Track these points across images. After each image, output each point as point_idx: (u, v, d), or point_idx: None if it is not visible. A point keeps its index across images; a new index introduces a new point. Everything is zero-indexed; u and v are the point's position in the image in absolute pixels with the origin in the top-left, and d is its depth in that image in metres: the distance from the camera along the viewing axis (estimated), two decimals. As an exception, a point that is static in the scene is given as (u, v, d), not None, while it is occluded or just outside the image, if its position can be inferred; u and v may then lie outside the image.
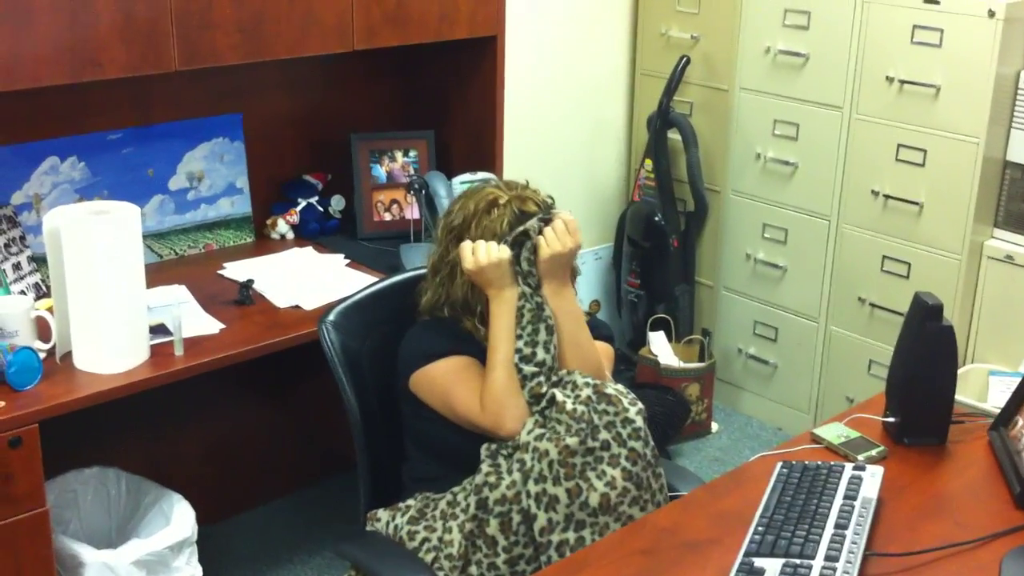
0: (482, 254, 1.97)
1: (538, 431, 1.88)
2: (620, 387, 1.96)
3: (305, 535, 3.10)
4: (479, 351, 2.03)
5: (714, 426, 3.73)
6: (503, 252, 1.97)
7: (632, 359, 3.75)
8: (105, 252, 2.23)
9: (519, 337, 1.95)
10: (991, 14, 2.96)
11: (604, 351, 2.11)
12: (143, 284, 2.34)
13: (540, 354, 1.95)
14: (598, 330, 2.14)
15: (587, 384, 1.92)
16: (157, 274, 2.72)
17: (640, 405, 1.93)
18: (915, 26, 3.13)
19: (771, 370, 3.72)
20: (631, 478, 1.87)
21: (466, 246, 1.99)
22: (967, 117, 3.07)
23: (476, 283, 2.01)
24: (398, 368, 2.07)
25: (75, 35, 2.32)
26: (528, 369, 1.94)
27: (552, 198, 2.11)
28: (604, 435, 1.87)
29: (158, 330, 2.42)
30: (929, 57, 3.12)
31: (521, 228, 1.98)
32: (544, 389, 1.93)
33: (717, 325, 3.82)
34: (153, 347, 2.37)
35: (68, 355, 2.32)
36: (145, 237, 2.77)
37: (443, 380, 2.00)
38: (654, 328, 3.68)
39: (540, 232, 1.98)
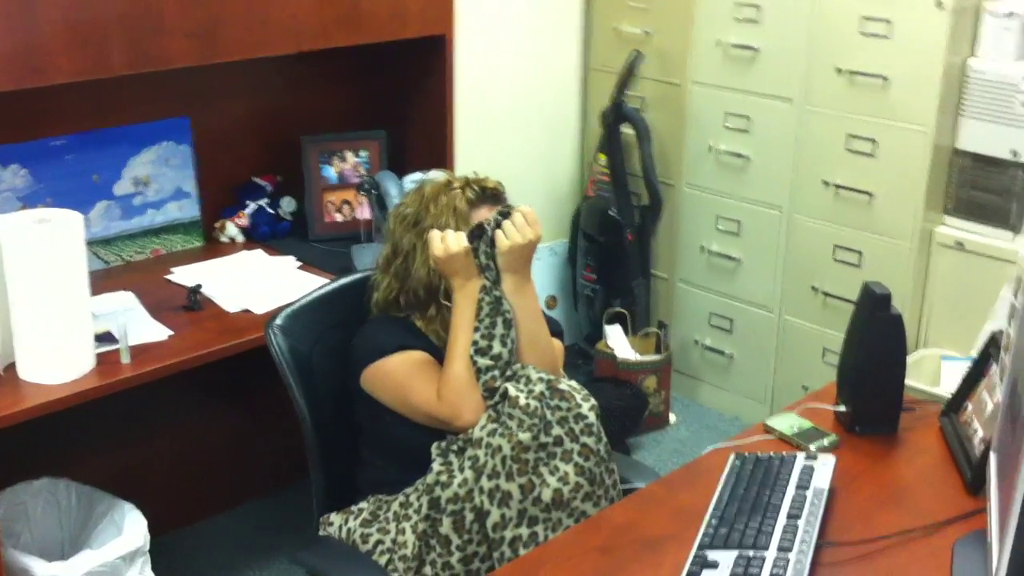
0: (452, 241, 1.96)
1: (491, 427, 1.87)
2: (573, 383, 1.95)
3: (261, 542, 3.07)
4: (431, 348, 2.02)
5: (672, 418, 3.74)
6: (465, 241, 1.97)
7: (589, 353, 3.75)
8: (46, 261, 2.19)
9: (476, 329, 1.94)
10: (939, 5, 2.98)
11: (556, 347, 2.10)
12: (87, 292, 2.30)
13: (496, 347, 1.94)
14: (549, 325, 2.13)
15: (540, 379, 1.92)
16: (104, 281, 2.68)
17: (593, 401, 1.93)
18: (864, 17, 3.15)
19: (728, 361, 3.74)
20: (583, 473, 1.86)
21: (435, 235, 1.98)
22: (917, 106, 3.09)
23: (442, 272, 2.00)
24: (350, 366, 2.06)
25: (15, 41, 2.28)
26: (483, 362, 1.93)
27: (502, 184, 2.10)
28: (557, 430, 1.87)
29: (104, 338, 2.38)
30: (879, 48, 3.14)
31: (478, 222, 1.98)
32: (498, 383, 1.92)
33: (673, 317, 3.83)
34: (99, 355, 2.33)
35: (11, 366, 2.28)
36: (91, 243, 2.74)
37: (396, 374, 1.99)
38: (611, 322, 3.68)
39: (498, 225, 1.97)
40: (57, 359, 2.25)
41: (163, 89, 2.86)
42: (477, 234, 1.97)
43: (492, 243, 1.97)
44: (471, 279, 1.97)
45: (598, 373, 3.65)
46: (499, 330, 1.95)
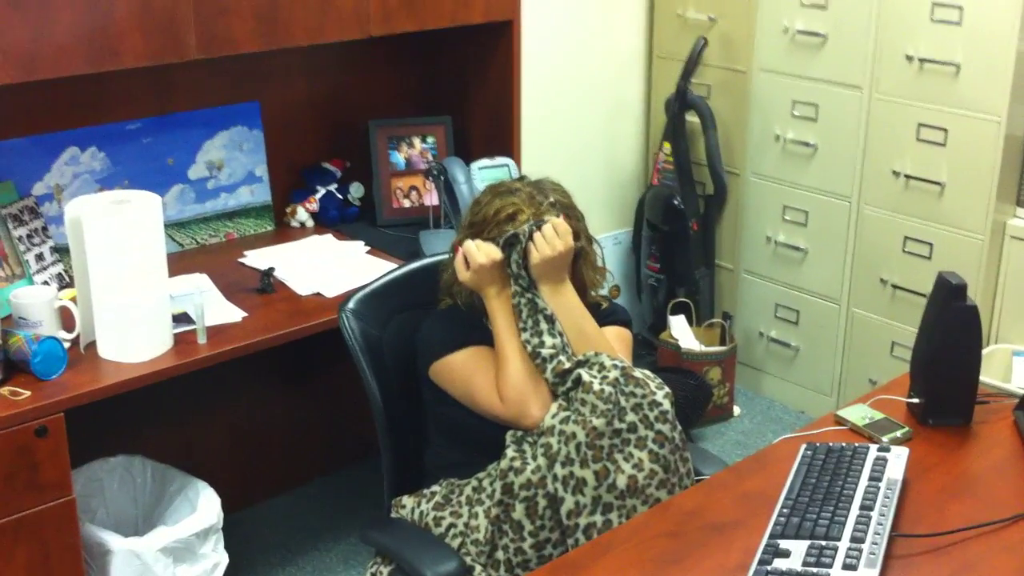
0: (482, 253, 1.98)
1: (563, 414, 1.88)
2: (647, 372, 1.96)
3: (330, 522, 3.11)
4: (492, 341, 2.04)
5: (736, 410, 3.72)
6: (499, 253, 1.98)
7: (653, 343, 3.74)
8: (127, 242, 2.24)
9: (523, 330, 1.96)
10: (1012, -10, 2.93)
11: (621, 335, 2.11)
12: (165, 273, 2.35)
13: (548, 339, 1.95)
14: (615, 315, 2.14)
15: (615, 366, 1.91)
16: (178, 263, 2.73)
17: (667, 389, 1.93)
18: (934, 3, 3.10)
19: (793, 353, 3.71)
20: (658, 460, 1.86)
21: (469, 246, 1.99)
22: (988, 95, 3.04)
23: (473, 287, 2.02)
24: (417, 358, 2.08)
25: (93, 24, 2.33)
26: (545, 352, 1.94)
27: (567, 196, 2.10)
28: (631, 417, 1.87)
29: (181, 319, 2.43)
30: (949, 34, 3.09)
31: (512, 232, 1.99)
32: (568, 365, 1.92)
33: (738, 308, 3.81)
34: (176, 336, 2.38)
35: (92, 344, 2.33)
36: (166, 226, 2.78)
37: (462, 371, 2.01)
38: (675, 312, 3.67)
39: (531, 236, 1.98)
40: (136, 339, 2.29)
41: (233, 74, 2.91)
42: (511, 242, 1.99)
43: (524, 253, 1.98)
44: (504, 288, 1.99)
45: (661, 363, 3.64)
46: (544, 326, 1.96)
